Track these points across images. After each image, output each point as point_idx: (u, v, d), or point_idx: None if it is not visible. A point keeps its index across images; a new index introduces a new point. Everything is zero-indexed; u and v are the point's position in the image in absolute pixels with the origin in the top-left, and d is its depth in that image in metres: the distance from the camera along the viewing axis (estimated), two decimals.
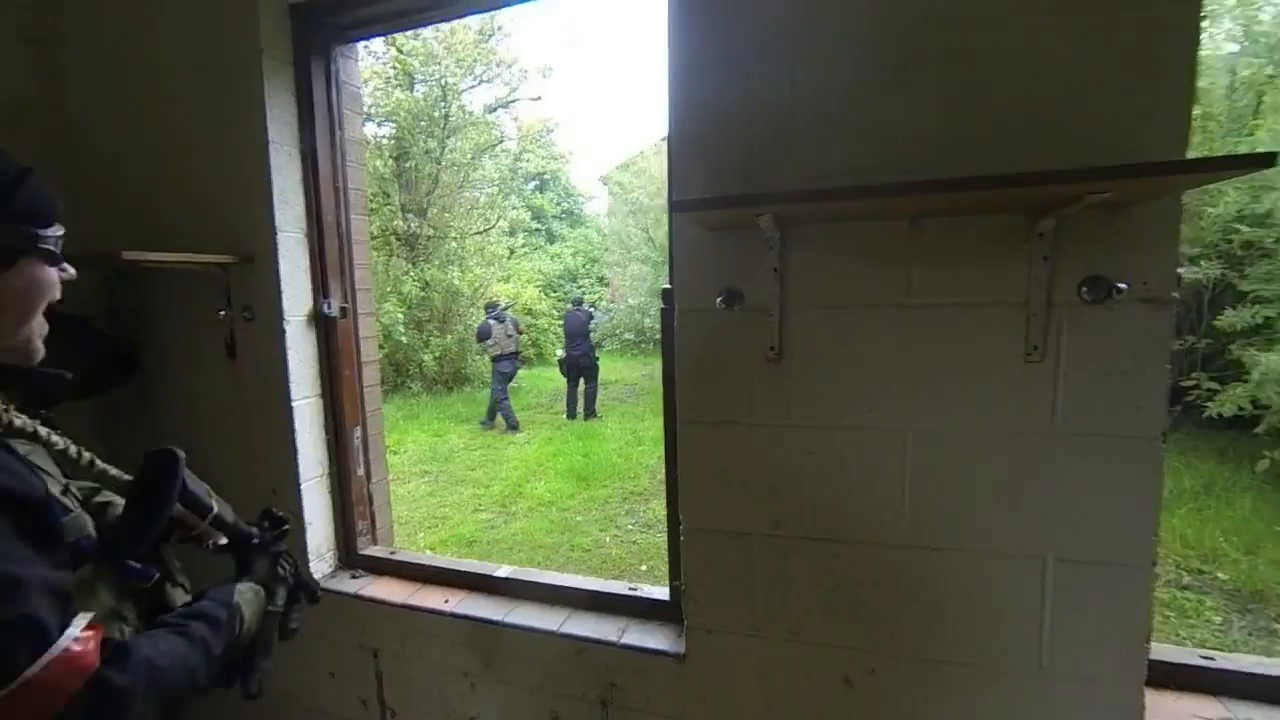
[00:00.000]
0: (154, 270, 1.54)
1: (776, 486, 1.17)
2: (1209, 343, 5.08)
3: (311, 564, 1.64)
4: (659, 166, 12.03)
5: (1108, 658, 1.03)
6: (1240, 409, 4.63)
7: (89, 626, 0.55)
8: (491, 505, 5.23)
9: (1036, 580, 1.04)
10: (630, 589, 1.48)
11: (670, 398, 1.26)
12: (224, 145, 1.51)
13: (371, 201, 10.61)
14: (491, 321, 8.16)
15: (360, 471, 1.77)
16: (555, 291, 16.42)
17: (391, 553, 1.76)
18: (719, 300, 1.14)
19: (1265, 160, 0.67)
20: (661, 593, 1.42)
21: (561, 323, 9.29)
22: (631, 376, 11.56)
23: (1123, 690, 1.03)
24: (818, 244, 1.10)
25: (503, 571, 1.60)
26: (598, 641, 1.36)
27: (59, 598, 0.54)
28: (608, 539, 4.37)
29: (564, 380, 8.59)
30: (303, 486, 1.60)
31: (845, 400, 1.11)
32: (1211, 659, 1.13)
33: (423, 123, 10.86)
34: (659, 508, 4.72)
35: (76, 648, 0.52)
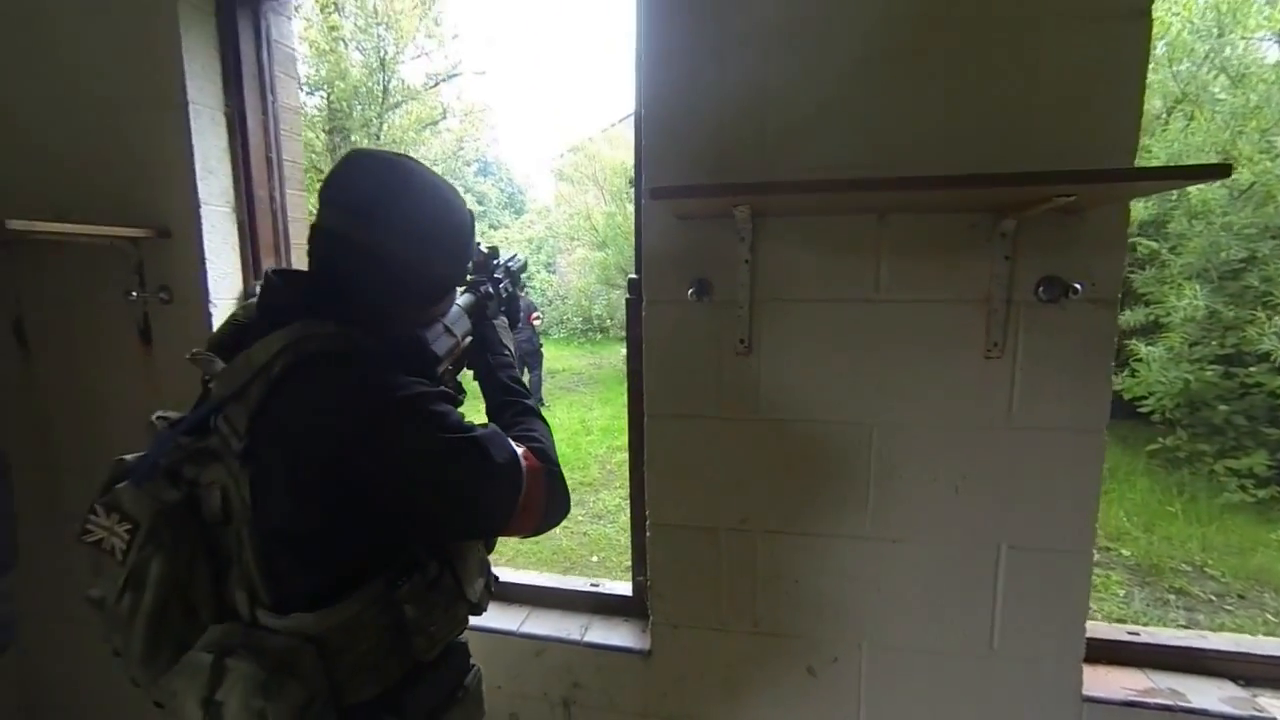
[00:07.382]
0: (47, 243, 1.36)
1: (744, 481, 1.16)
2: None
3: None
4: (609, 153, 11.87)
5: (1051, 638, 1.09)
6: (1135, 397, 5.08)
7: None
8: None
9: (990, 568, 1.08)
10: (592, 585, 1.44)
11: (636, 390, 1.23)
12: (136, 104, 1.34)
13: (305, 176, 9.90)
14: None
15: None
16: None
17: None
18: (690, 291, 1.12)
19: (1222, 171, 0.70)
20: (624, 588, 1.40)
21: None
22: (579, 365, 11.43)
23: (1064, 667, 1.09)
24: (789, 237, 1.09)
25: None
26: (559, 640, 1.32)
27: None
28: (558, 531, 4.31)
29: None
30: None
31: (814, 393, 1.11)
32: (1137, 634, 1.21)
33: (360, 91, 10.22)
34: (609, 498, 4.70)
35: (524, 461, 0.78)
